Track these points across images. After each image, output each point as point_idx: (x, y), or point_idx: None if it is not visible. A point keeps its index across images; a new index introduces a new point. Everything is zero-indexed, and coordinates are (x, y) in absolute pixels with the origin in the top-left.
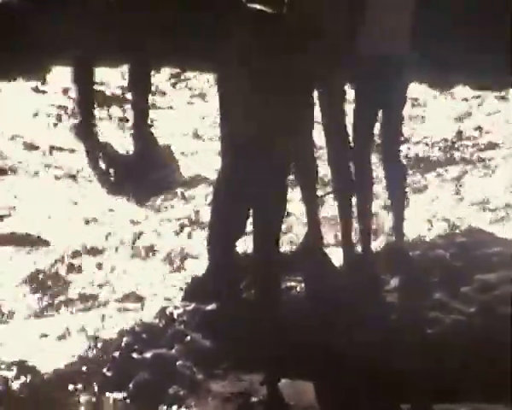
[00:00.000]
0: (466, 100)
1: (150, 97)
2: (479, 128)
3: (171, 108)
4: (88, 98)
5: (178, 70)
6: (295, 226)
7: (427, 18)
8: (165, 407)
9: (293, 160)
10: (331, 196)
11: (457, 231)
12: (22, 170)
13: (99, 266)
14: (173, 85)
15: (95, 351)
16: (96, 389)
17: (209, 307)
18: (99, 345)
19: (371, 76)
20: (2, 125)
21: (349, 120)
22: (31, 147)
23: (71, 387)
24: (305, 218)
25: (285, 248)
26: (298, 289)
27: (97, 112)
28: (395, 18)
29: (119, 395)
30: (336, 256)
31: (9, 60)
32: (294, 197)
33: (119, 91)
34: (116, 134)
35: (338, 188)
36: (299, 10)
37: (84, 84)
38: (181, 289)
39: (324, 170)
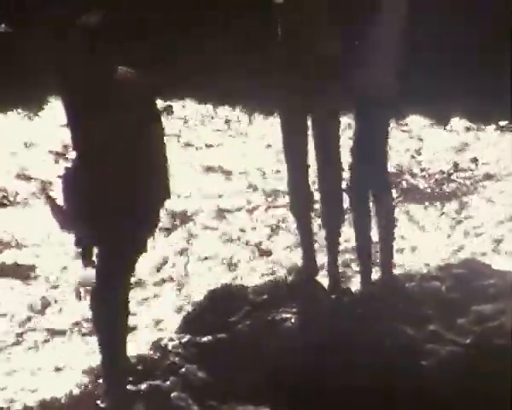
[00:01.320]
0: (462, 131)
1: None
2: (475, 160)
3: None
4: None
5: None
6: (290, 257)
7: (424, 49)
8: None
9: (288, 189)
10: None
11: (453, 263)
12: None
13: None
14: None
15: (89, 382)
16: None
17: (204, 339)
18: (94, 376)
19: (361, 110)
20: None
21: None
22: (24, 178)
23: None
24: (301, 247)
25: (279, 278)
26: (292, 320)
27: None
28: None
29: None
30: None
31: (6, 91)
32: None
33: None
34: None
35: (327, 220)
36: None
37: None
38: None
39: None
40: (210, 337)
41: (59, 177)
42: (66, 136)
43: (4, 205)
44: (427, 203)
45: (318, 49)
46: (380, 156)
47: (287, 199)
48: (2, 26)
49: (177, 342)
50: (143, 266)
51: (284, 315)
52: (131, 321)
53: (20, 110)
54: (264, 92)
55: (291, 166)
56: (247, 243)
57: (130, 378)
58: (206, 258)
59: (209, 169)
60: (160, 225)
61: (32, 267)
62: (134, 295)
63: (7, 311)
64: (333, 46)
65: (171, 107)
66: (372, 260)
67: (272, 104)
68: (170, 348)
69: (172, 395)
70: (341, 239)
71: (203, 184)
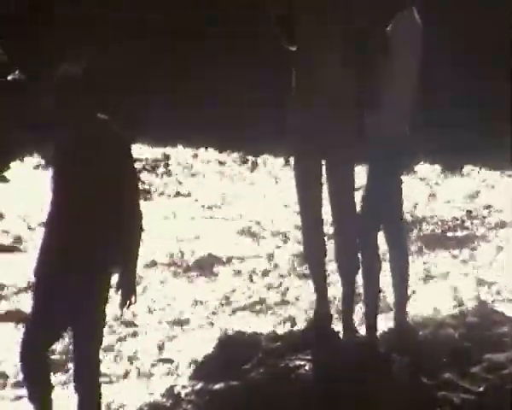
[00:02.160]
0: (476, 178)
1: None
2: (488, 207)
3: None
4: None
5: None
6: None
7: (439, 100)
8: None
9: (302, 238)
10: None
11: (466, 310)
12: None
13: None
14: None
15: None
16: None
17: (217, 386)
18: None
19: (376, 154)
20: (12, 204)
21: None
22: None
23: None
24: (315, 295)
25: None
26: (306, 368)
27: None
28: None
29: None
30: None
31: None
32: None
33: None
34: None
35: (342, 268)
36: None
37: None
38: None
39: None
40: (222, 385)
41: None
42: None
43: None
44: (439, 250)
45: (332, 92)
46: (393, 203)
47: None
48: (16, 73)
49: (189, 389)
50: (160, 314)
51: (298, 363)
52: (146, 368)
53: None
54: (278, 137)
55: (305, 215)
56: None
57: None
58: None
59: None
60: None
61: None
62: (151, 340)
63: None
64: (347, 89)
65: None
66: (381, 307)
67: (287, 149)
68: (182, 395)
69: None
70: (356, 287)
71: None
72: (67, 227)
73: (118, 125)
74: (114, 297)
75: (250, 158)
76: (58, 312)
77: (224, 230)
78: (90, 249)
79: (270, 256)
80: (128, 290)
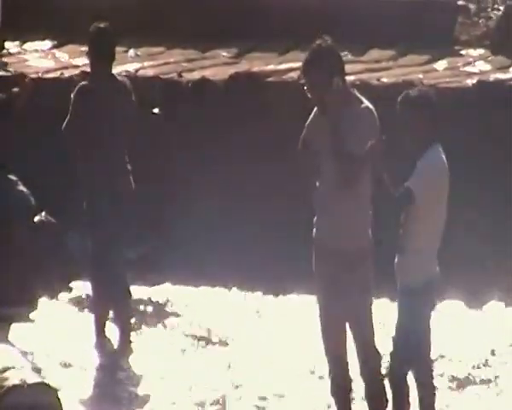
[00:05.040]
0: (500, 315)
1: None
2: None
3: None
4: None
5: None
6: None
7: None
8: None
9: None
10: None
11: None
12: None
13: None
14: None
15: None
16: None
17: None
18: None
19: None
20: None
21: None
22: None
23: None
24: None
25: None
26: None
27: None
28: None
29: None
30: None
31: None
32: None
33: None
34: None
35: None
36: None
37: None
38: None
39: None
40: None
41: None
42: None
43: None
44: (463, 389)
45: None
46: (422, 342)
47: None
48: None
49: None
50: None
51: None
52: None
53: None
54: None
55: (329, 351)
56: None
57: None
58: None
59: None
60: None
61: None
62: None
63: None
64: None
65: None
66: None
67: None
68: None
69: None
70: None
71: None
72: None
73: None
74: None
75: None
76: None
77: None
78: None
79: None
80: None
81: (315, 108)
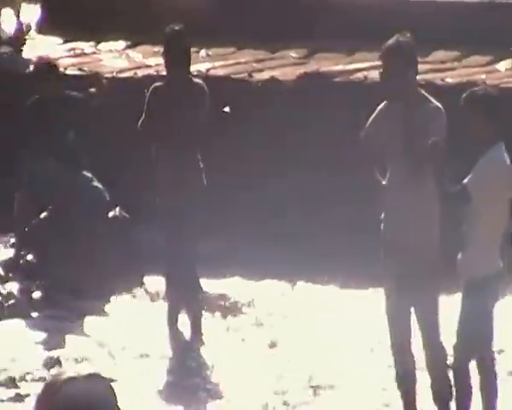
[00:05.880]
0: None
1: None
2: None
3: None
4: None
5: None
6: None
7: None
8: None
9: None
10: None
11: None
12: None
13: None
14: None
15: None
16: None
17: None
18: None
19: None
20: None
21: None
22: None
23: None
24: None
25: None
26: None
27: None
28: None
29: None
30: None
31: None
32: None
33: None
34: None
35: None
36: None
37: None
38: None
39: None
40: None
41: None
42: None
43: None
44: None
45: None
46: (485, 335)
47: None
48: None
49: None
50: None
51: None
52: None
53: None
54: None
55: (395, 343)
56: None
57: None
58: None
59: None
60: None
61: None
62: None
63: None
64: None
65: None
66: None
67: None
68: None
69: None
70: None
71: None
72: None
73: None
74: None
75: None
76: None
77: None
78: None
79: None
80: None
81: (380, 105)
